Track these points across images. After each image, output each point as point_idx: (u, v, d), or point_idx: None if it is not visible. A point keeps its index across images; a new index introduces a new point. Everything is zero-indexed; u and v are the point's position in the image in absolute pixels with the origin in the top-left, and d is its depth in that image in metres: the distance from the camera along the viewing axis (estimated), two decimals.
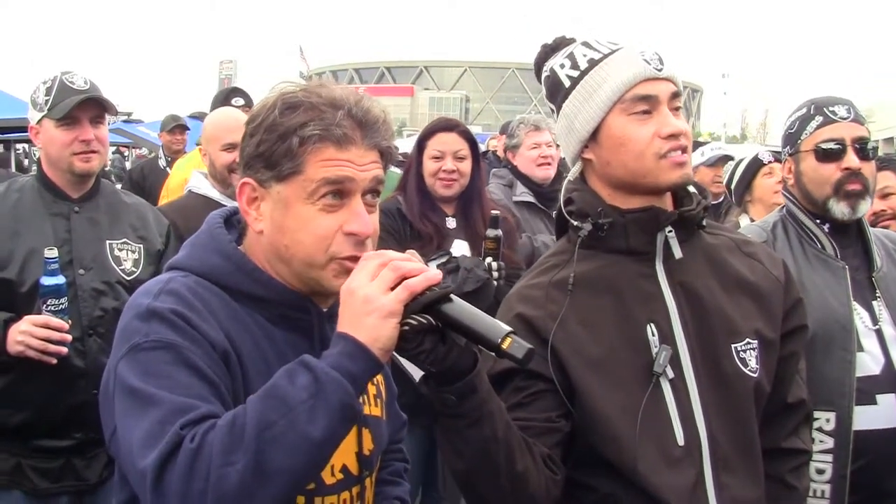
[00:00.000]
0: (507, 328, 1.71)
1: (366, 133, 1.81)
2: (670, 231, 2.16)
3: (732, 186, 4.92)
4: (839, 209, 2.91)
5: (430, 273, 1.70)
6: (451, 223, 4.32)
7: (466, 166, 4.31)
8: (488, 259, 4.05)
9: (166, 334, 1.68)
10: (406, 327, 1.68)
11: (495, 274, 4.02)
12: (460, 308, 1.72)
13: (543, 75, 2.28)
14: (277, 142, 1.78)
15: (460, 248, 4.23)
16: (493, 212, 4.20)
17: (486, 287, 3.92)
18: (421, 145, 4.36)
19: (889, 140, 29.81)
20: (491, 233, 4.09)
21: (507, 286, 4.00)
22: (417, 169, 4.33)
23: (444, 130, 4.37)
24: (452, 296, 1.72)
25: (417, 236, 4.18)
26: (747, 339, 2.17)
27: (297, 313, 1.89)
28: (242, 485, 1.52)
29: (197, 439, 1.54)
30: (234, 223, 1.97)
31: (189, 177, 5.63)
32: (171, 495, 1.52)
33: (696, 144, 6.92)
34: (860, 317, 2.86)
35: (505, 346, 1.69)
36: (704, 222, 2.24)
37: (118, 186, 5.89)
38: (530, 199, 5.41)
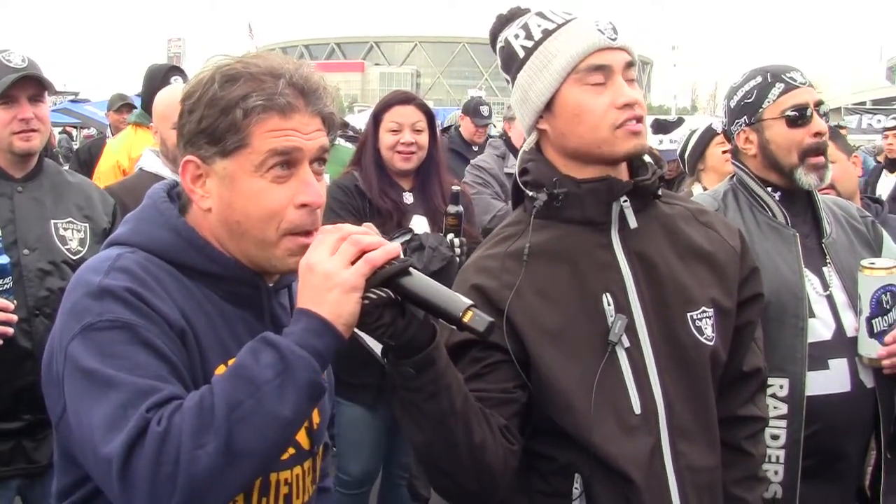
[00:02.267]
0: (468, 301, 1.70)
1: (308, 100, 1.78)
2: (625, 201, 2.15)
3: (686, 156, 4.95)
4: (807, 180, 2.93)
5: (390, 246, 1.69)
6: (409, 198, 4.25)
7: (424, 139, 4.24)
8: (450, 235, 4.02)
9: (121, 313, 1.63)
10: (366, 301, 1.66)
11: (457, 250, 3.98)
12: (420, 281, 1.71)
13: (498, 46, 2.26)
14: (220, 116, 1.74)
15: (419, 223, 4.17)
16: (454, 187, 4.16)
17: (451, 265, 3.89)
18: (377, 119, 4.27)
19: (836, 110, 30.28)
20: (452, 209, 4.05)
21: None
22: (374, 143, 4.24)
23: (400, 103, 4.28)
24: (412, 269, 1.71)
25: (377, 213, 4.10)
26: (703, 308, 2.17)
27: (248, 290, 1.86)
28: (213, 467, 1.49)
29: (164, 422, 1.51)
30: (174, 196, 1.92)
31: (119, 161, 5.54)
32: (139, 481, 1.49)
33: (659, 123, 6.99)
34: (811, 283, 2.89)
35: (466, 319, 1.68)
36: (660, 192, 2.24)
37: (65, 166, 5.79)
38: None
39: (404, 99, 4.35)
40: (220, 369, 1.74)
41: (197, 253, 1.82)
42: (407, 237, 4.00)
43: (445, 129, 8.75)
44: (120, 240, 1.84)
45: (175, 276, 1.78)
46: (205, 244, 1.82)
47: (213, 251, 1.82)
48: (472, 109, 8.15)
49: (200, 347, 1.74)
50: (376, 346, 2.97)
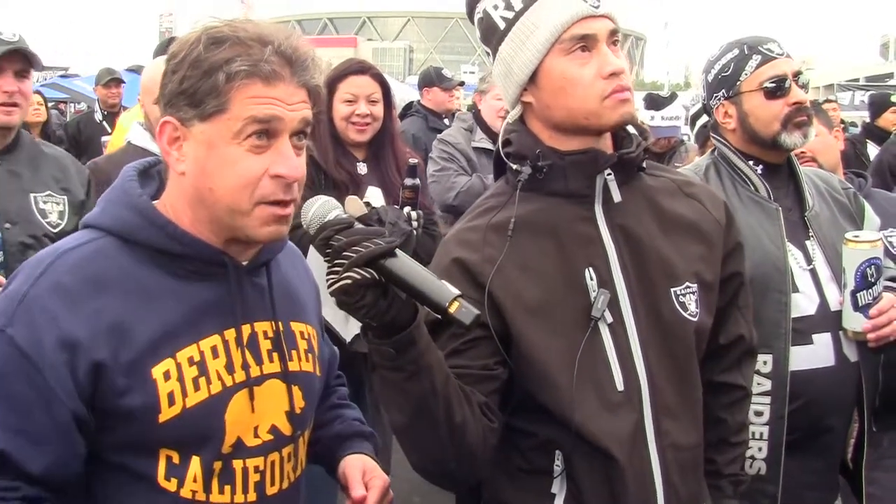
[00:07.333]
0: (455, 291, 1.68)
1: (295, 70, 1.74)
2: (609, 174, 2.12)
3: (701, 125, 4.75)
4: (791, 140, 2.91)
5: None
6: (363, 169, 4.17)
7: (379, 110, 4.16)
8: (406, 208, 3.96)
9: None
10: (349, 281, 1.64)
11: (414, 224, 3.94)
12: (405, 264, 1.68)
13: (476, 17, 2.20)
14: (202, 78, 1.70)
15: (374, 195, 4.07)
16: (412, 160, 4.11)
17: (409, 239, 3.85)
18: (331, 88, 4.11)
19: (829, 87, 30.19)
20: (409, 181, 3.99)
21: (425, 235, 3.95)
22: (328, 113, 4.13)
23: (356, 73, 4.18)
24: (398, 251, 1.68)
25: (332, 185, 3.98)
26: (686, 283, 2.15)
27: (212, 268, 1.82)
28: None
29: None
30: (153, 175, 1.89)
31: None
32: None
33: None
34: (794, 257, 2.87)
35: (452, 310, 1.66)
36: (645, 164, 2.21)
37: (63, 145, 5.73)
38: (489, 145, 5.45)
39: (359, 69, 4.23)
40: (192, 348, 1.73)
41: (156, 231, 1.78)
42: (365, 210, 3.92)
43: (408, 107, 8.36)
44: (90, 222, 1.83)
45: (132, 262, 1.76)
46: (166, 223, 1.79)
47: (176, 229, 1.79)
48: (437, 76, 7.89)
49: (159, 337, 1.73)
50: (342, 329, 2.91)
